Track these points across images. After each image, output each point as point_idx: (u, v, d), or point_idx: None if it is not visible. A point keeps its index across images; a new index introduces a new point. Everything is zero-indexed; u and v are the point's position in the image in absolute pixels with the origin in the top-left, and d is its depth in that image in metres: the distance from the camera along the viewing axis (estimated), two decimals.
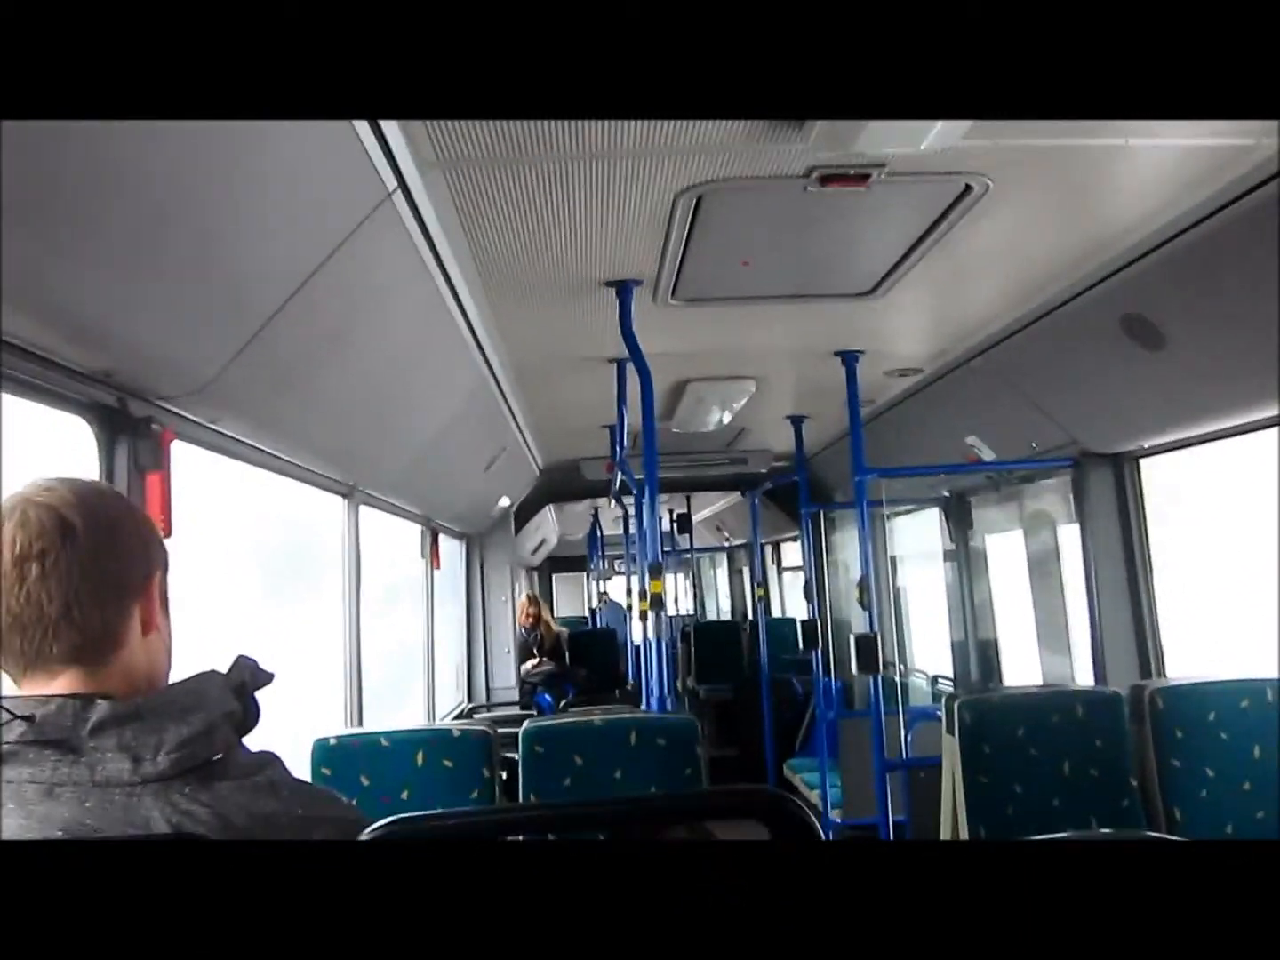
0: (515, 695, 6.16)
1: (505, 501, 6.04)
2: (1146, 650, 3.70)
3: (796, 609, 8.95)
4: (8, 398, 1.59)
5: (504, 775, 2.87)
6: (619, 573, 11.90)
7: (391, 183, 1.87)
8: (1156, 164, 2.12)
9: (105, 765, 0.95)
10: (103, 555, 1.01)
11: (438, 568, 5.21)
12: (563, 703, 6.29)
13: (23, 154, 1.10)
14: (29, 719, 0.95)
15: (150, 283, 1.58)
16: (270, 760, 1.08)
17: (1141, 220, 2.39)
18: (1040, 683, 4.18)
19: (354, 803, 1.16)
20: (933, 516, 5.57)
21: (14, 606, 0.97)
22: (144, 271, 1.54)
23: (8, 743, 0.95)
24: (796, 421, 5.14)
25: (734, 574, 11.68)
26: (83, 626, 0.99)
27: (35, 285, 1.41)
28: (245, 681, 1.10)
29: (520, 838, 0.39)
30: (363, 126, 1.66)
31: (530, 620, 7.23)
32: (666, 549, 8.70)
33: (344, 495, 3.54)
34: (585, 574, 12.51)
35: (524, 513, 6.77)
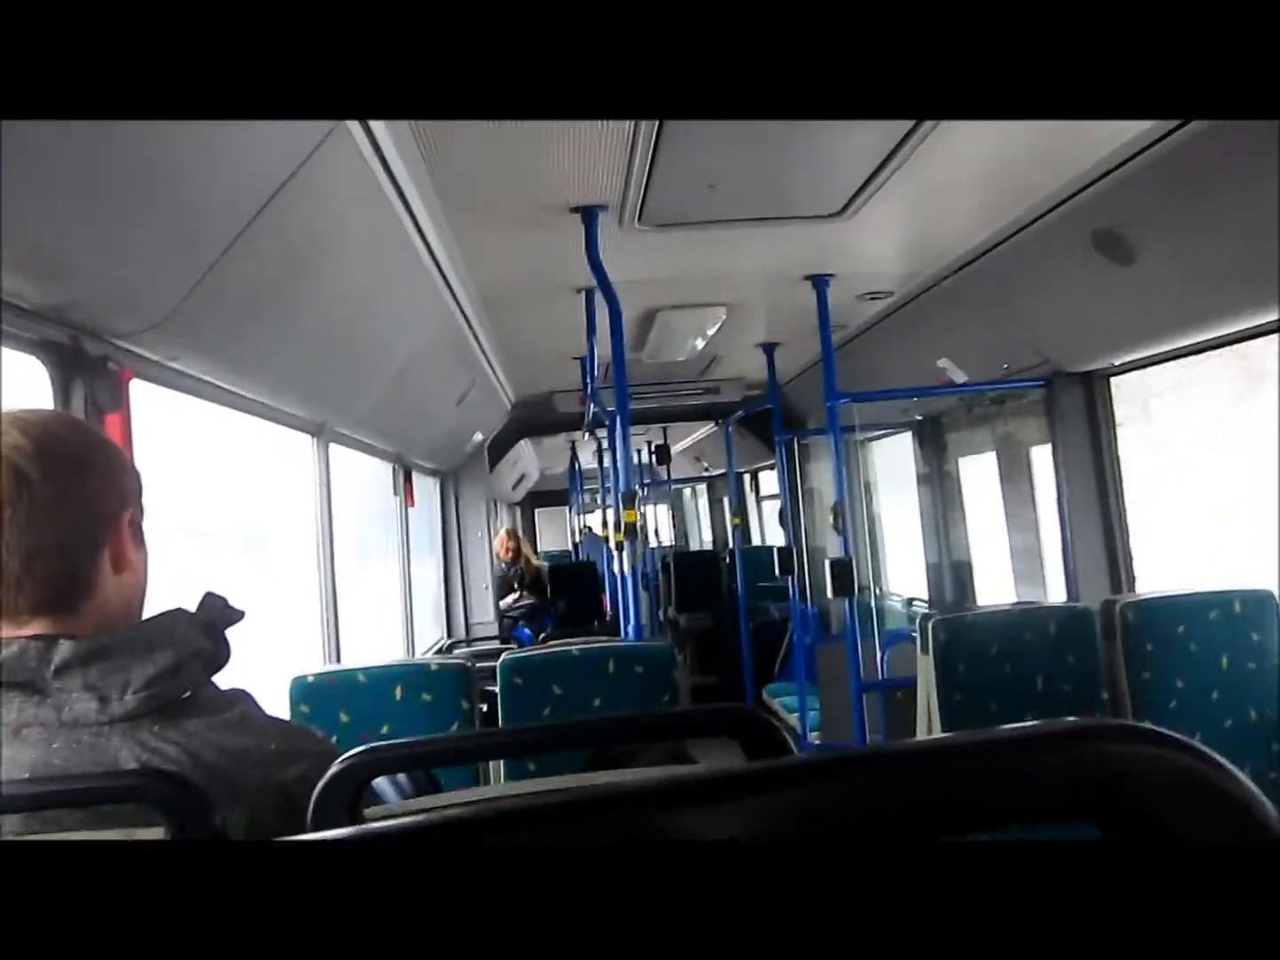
0: (494, 630, 6.19)
1: (479, 437, 6.01)
2: (1118, 568, 3.74)
3: (777, 537, 9.00)
4: None
5: (484, 708, 2.89)
6: (605, 506, 11.92)
7: None
8: None
9: (72, 706, 0.94)
10: (64, 503, 0.96)
11: (412, 505, 5.19)
12: (541, 635, 6.33)
13: None
14: None
15: (101, 216, 1.53)
16: (241, 697, 1.07)
17: (1112, 133, 2.36)
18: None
19: (330, 737, 1.15)
20: (906, 441, 5.59)
21: None
22: (95, 204, 1.49)
23: None
24: (768, 349, 5.11)
25: (714, 504, 11.72)
26: (47, 579, 0.96)
27: None
28: (215, 619, 1.08)
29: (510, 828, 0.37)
30: None
31: (510, 554, 7.23)
32: (646, 480, 8.70)
33: (313, 433, 3.50)
34: (567, 509, 12.54)
35: (498, 448, 6.74)
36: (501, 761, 2.57)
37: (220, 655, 1.08)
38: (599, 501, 11.71)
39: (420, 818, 0.37)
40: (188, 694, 1.00)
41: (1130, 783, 0.31)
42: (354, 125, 1.89)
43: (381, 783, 1.26)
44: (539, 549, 12.32)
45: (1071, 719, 0.36)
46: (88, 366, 1.82)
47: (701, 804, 0.33)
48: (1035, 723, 0.35)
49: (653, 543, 9.16)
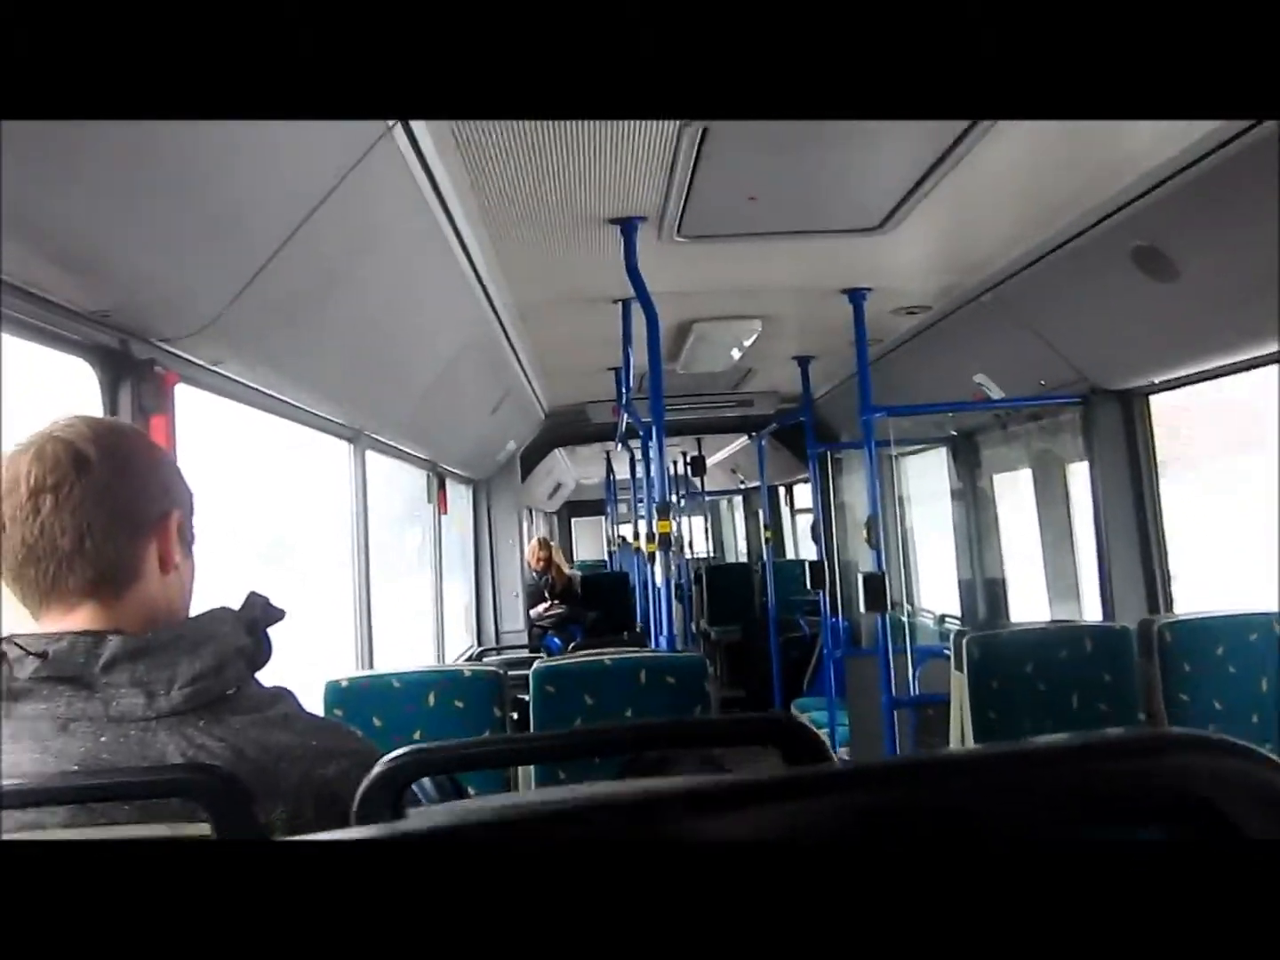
0: (524, 639, 6.20)
1: (512, 446, 6.03)
2: (1155, 587, 3.70)
3: (810, 551, 8.96)
4: (11, 339, 1.58)
5: (515, 716, 2.89)
6: (638, 517, 11.96)
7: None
8: None
9: (119, 700, 0.96)
10: (117, 489, 1.01)
11: (445, 512, 5.22)
12: (571, 645, 6.32)
13: None
14: (42, 655, 0.96)
15: (149, 221, 1.56)
16: (283, 695, 1.09)
17: (1154, 149, 2.34)
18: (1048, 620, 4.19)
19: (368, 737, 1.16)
20: (940, 456, 5.55)
21: (29, 538, 0.98)
22: (143, 209, 1.52)
23: (23, 679, 0.95)
24: (803, 361, 5.10)
25: (750, 516, 11.68)
26: (96, 559, 1.00)
27: (33, 223, 1.39)
28: (257, 617, 1.10)
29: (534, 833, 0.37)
30: None
31: (541, 563, 7.23)
32: (681, 492, 8.70)
33: (349, 439, 3.53)
34: (603, 518, 12.61)
35: (530, 458, 6.76)
36: (533, 770, 2.58)
37: (262, 653, 1.10)
38: (633, 512, 11.79)
39: (463, 815, 0.37)
40: (232, 691, 1.02)
41: (1206, 788, 0.32)
42: (399, 134, 1.91)
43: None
44: (575, 558, 12.40)
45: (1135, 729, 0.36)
46: (134, 370, 1.86)
47: (767, 807, 0.34)
48: (1117, 730, 0.35)
49: (687, 554, 9.19)
